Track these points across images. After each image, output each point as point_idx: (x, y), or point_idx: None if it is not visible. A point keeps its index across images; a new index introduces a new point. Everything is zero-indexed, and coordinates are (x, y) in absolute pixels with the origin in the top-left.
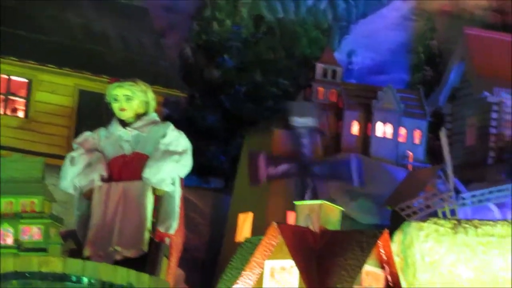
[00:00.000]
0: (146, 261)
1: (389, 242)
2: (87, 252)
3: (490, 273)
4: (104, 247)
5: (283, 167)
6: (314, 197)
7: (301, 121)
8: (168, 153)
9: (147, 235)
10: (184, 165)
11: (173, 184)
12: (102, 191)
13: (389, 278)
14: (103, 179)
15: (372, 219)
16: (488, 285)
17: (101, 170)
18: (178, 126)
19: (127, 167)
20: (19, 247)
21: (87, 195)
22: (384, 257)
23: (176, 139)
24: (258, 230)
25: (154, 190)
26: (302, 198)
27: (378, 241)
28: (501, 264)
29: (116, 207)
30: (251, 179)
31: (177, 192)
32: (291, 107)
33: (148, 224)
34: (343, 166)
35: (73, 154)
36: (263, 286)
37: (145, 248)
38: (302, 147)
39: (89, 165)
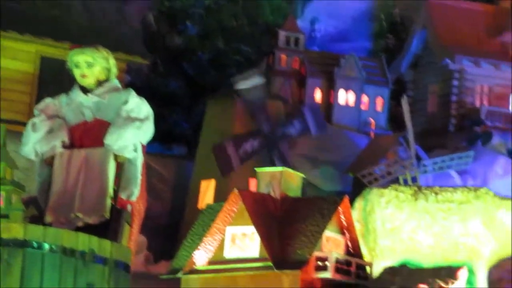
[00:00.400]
0: (108, 227)
1: (349, 208)
2: (48, 218)
3: (450, 239)
4: (65, 213)
5: (250, 145)
6: (280, 164)
7: (247, 83)
8: (130, 120)
9: (108, 202)
10: (146, 131)
11: (135, 151)
12: (64, 157)
13: (349, 243)
14: (64, 146)
15: (334, 186)
16: (448, 251)
17: (63, 137)
18: (141, 93)
19: (88, 134)
20: None
21: (48, 162)
22: (344, 223)
23: (138, 106)
24: (221, 197)
25: (116, 157)
26: (266, 165)
27: (339, 208)
28: (461, 230)
29: (77, 174)
30: (224, 170)
31: (139, 159)
32: (235, 78)
33: (110, 190)
34: (299, 121)
35: (35, 120)
36: (224, 252)
37: (107, 214)
38: (260, 118)
39: (50, 132)
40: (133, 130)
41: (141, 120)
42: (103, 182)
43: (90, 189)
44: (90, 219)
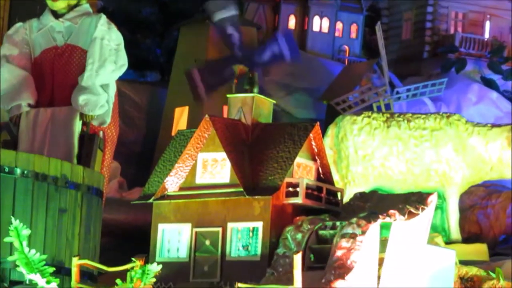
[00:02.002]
0: (80, 153)
1: (320, 135)
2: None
3: (422, 165)
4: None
5: (219, 73)
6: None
7: (221, 15)
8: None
9: (75, 161)
10: (120, 66)
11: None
12: (30, 117)
13: (320, 170)
14: (30, 105)
15: (308, 113)
16: (420, 177)
17: (28, 98)
18: (113, 18)
19: (59, 59)
20: None
21: (13, 120)
22: (316, 150)
23: (108, 33)
24: (194, 124)
25: (83, 116)
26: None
27: (310, 134)
28: (432, 157)
29: (44, 135)
30: (194, 96)
31: (111, 88)
32: (207, 7)
33: (76, 150)
34: (273, 47)
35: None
36: (196, 177)
37: (75, 162)
38: (233, 45)
39: (15, 87)
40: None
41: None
42: (69, 144)
43: (56, 151)
44: None
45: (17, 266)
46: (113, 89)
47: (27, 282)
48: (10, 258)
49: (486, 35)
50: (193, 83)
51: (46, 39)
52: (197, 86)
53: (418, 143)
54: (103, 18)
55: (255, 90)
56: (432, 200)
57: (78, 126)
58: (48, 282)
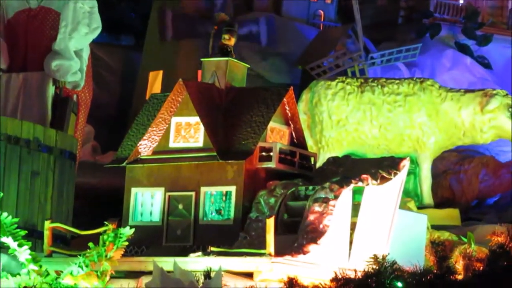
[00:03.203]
0: (53, 117)
1: (294, 99)
2: None
3: (395, 130)
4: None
5: (193, 26)
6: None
7: None
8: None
9: (50, 114)
10: (94, 29)
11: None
12: (1, 82)
13: (294, 134)
14: (2, 70)
15: (282, 78)
16: (393, 142)
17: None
18: None
19: (33, 21)
20: None
21: None
22: (289, 114)
23: None
24: (168, 88)
25: (56, 81)
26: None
27: (284, 98)
28: (406, 122)
29: (16, 98)
30: (161, 35)
31: (85, 51)
32: None
33: (49, 114)
34: (252, 27)
35: None
36: (169, 142)
37: (48, 124)
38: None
39: None
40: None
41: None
42: (42, 108)
43: (29, 116)
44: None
45: None
46: (86, 52)
47: None
48: None
49: (461, 1)
50: (163, 23)
51: (19, 0)
52: (166, 27)
53: (392, 108)
54: None
55: (233, 39)
56: (405, 165)
57: (51, 90)
58: (20, 245)
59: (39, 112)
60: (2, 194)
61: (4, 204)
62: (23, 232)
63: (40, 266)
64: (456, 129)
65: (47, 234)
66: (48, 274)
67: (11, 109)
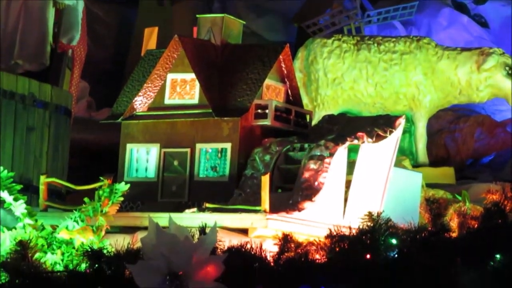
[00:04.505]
0: (48, 72)
1: (290, 57)
2: None
3: (391, 89)
4: (5, 61)
5: None
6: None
7: None
8: None
9: (48, 49)
10: None
11: None
12: (2, 4)
13: (290, 92)
14: None
15: (278, 35)
16: (388, 100)
17: None
18: None
19: None
20: None
21: None
22: (285, 72)
23: None
24: (164, 44)
25: (56, 3)
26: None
27: (280, 56)
28: (402, 81)
29: (16, 21)
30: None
31: (80, 4)
32: None
33: (50, 38)
34: None
35: None
36: (164, 98)
37: (47, 62)
38: None
39: None
40: None
41: None
42: (43, 29)
43: (29, 36)
44: (30, 66)
45: None
46: (81, 5)
47: None
48: None
49: None
50: None
51: None
52: None
53: (388, 66)
54: None
55: None
56: (400, 123)
57: (51, 12)
58: (15, 200)
59: (39, 35)
60: None
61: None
62: (18, 187)
63: (36, 221)
64: (452, 88)
65: (42, 188)
66: (43, 228)
67: (10, 31)
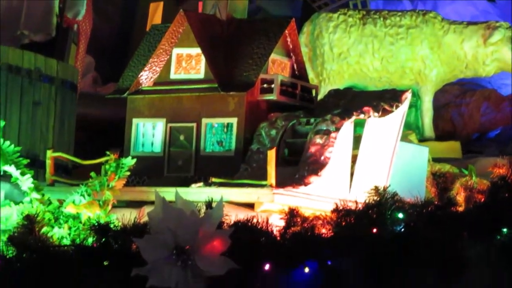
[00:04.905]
0: (54, 47)
1: (295, 31)
2: None
3: (397, 63)
4: (11, 31)
5: None
6: None
7: None
8: None
9: (55, 20)
10: None
11: None
12: None
13: (295, 66)
14: None
15: (283, 10)
16: (394, 74)
17: None
18: None
19: None
20: None
21: None
22: (291, 46)
23: None
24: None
25: None
26: None
27: (285, 30)
28: (408, 55)
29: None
30: None
31: None
32: None
33: (56, 8)
34: None
35: None
36: (170, 73)
37: (53, 32)
38: None
39: None
40: None
41: None
42: (49, 0)
43: (36, 6)
44: (36, 36)
45: None
46: None
47: (1, 174)
48: None
49: None
50: None
51: None
52: None
53: (394, 40)
54: None
55: None
56: (407, 97)
57: None
58: (22, 174)
59: (46, 6)
60: (4, 123)
61: (6, 133)
62: (25, 161)
63: (43, 195)
64: (458, 62)
65: (49, 163)
66: (50, 202)
67: (16, 2)
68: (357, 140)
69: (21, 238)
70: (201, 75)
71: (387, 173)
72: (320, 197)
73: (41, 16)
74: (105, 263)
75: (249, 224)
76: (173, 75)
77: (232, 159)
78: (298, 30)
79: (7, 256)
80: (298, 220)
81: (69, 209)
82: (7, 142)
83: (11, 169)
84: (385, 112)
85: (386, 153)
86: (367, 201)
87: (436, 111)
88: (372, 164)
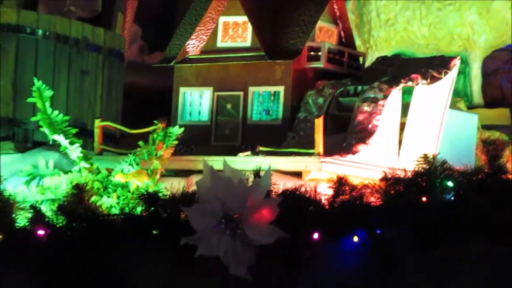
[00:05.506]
0: (101, 16)
1: None
2: (41, 9)
3: (445, 29)
4: (58, 8)
5: None
6: None
7: None
8: None
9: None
10: None
11: None
12: None
13: (342, 33)
14: None
15: None
16: (442, 41)
17: None
18: None
19: None
20: None
21: None
22: (338, 13)
23: None
24: None
25: None
26: None
27: None
28: (456, 20)
29: None
30: None
31: None
32: None
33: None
34: None
35: None
36: (217, 41)
37: (99, 8)
38: None
39: None
40: None
41: None
42: None
43: None
44: (82, 12)
45: (40, 127)
46: None
47: (51, 143)
48: (33, 119)
49: None
50: None
51: None
52: None
53: (442, 6)
54: None
55: None
56: (455, 64)
57: None
58: (71, 143)
59: None
60: (52, 92)
61: (54, 102)
62: (74, 130)
63: (91, 164)
64: (507, 27)
65: (97, 132)
66: (99, 172)
67: None
68: (405, 108)
69: (71, 207)
70: (247, 43)
71: (436, 141)
72: (368, 165)
73: None
74: (154, 232)
75: (297, 192)
76: (219, 43)
77: (279, 127)
78: None
79: (57, 225)
80: (347, 188)
81: (117, 178)
82: (56, 112)
83: (60, 138)
84: (434, 79)
85: (434, 120)
86: (416, 169)
87: (484, 77)
88: (420, 132)
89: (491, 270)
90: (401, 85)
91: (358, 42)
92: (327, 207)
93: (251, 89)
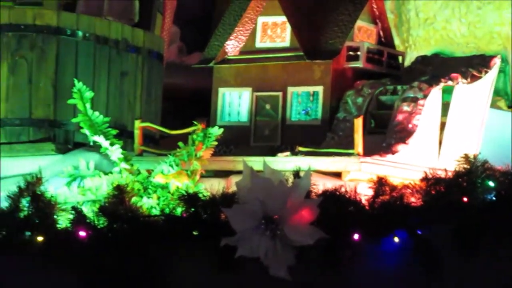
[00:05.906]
0: (140, 17)
1: None
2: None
3: (485, 28)
4: (97, 12)
5: None
6: None
7: None
8: None
9: (137, 4)
10: None
11: None
12: None
13: (381, 33)
14: None
15: None
16: (482, 39)
17: None
18: None
19: None
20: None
21: None
22: (377, 13)
23: None
24: None
25: None
26: None
27: None
28: (495, 19)
29: None
30: None
31: None
32: None
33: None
34: None
35: None
36: (256, 42)
37: (136, 18)
38: None
39: None
40: None
41: None
42: None
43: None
44: (119, 22)
45: (81, 128)
46: None
47: (91, 144)
48: (74, 120)
49: None
50: None
51: None
52: None
53: (481, 5)
54: None
55: None
56: (495, 62)
57: None
58: (112, 144)
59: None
60: (93, 93)
61: (94, 104)
62: (114, 131)
63: (132, 165)
64: None
65: (137, 133)
66: (139, 172)
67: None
68: (445, 108)
69: (112, 208)
70: (286, 43)
71: (477, 140)
72: (408, 165)
73: (124, 2)
74: (195, 233)
75: (337, 193)
76: (258, 44)
77: (318, 127)
78: None
79: (98, 227)
80: (387, 189)
81: (157, 179)
82: (96, 113)
83: (100, 139)
84: (474, 78)
85: (475, 120)
86: (456, 169)
87: None
88: (461, 132)
89: None
90: (441, 85)
91: (397, 41)
92: (367, 207)
93: (290, 89)
